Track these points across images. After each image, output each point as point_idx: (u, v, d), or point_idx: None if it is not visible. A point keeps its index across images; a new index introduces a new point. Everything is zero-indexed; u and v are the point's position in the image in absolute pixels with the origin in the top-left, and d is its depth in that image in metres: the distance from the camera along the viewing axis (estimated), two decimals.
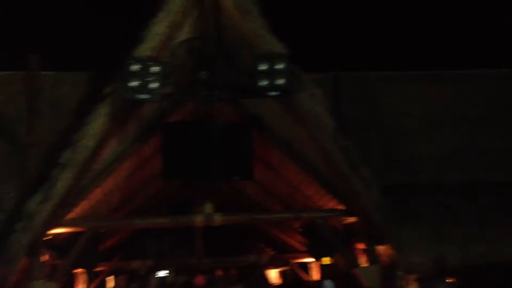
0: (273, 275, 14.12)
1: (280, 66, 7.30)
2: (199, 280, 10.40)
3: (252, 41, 7.70)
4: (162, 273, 11.54)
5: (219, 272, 11.77)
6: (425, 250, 8.86)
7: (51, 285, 8.57)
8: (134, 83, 7.17)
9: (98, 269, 11.08)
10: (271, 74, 7.29)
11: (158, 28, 7.65)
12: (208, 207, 8.93)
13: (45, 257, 8.74)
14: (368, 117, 9.40)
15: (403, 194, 8.91)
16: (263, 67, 7.30)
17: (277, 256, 14.02)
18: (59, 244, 9.31)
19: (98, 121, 7.96)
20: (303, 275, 12.95)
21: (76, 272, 10.54)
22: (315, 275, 12.42)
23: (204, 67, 7.51)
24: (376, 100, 9.49)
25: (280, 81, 7.30)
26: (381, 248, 8.99)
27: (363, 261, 9.26)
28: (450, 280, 8.74)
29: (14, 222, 8.16)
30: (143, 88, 7.25)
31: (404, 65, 9.98)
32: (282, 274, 14.23)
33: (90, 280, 11.00)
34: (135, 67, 7.17)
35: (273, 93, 7.44)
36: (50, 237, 8.74)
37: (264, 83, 7.33)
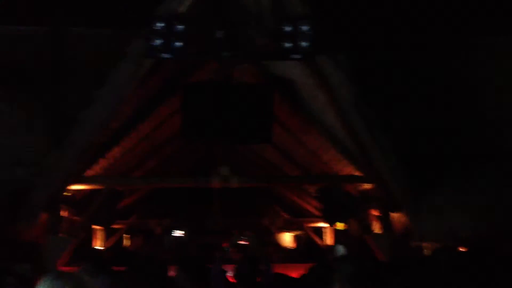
0: (287, 238, 14.26)
1: (304, 28, 7.23)
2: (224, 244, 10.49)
3: (277, 2, 7.61)
4: (178, 233, 11.67)
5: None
6: (440, 219, 8.87)
7: (69, 240, 8.72)
8: (157, 42, 7.15)
9: (115, 226, 11.25)
10: (295, 36, 7.23)
11: None
12: (225, 169, 8.95)
13: (64, 213, 8.88)
14: (391, 84, 9.29)
15: (421, 162, 8.86)
16: (287, 28, 7.23)
17: (291, 220, 14.14)
18: (78, 201, 9.45)
19: (119, 79, 7.96)
20: (316, 239, 13.07)
21: (93, 229, 10.71)
22: (329, 240, 12.53)
23: (228, 27, 7.45)
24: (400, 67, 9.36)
25: (304, 44, 7.24)
26: (395, 216, 9.02)
27: (377, 228, 9.31)
28: (462, 250, 8.76)
29: (33, 177, 8.25)
30: (166, 47, 7.22)
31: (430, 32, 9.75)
32: (296, 238, 14.37)
33: (107, 237, 11.18)
34: (159, 25, 7.13)
35: (296, 56, 7.38)
36: (69, 193, 8.86)
37: (287, 45, 7.27)
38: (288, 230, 14.23)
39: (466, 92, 9.50)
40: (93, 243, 10.75)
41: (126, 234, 11.65)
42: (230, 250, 6.10)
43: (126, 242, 11.61)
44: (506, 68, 9.57)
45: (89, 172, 9.02)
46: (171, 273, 5.63)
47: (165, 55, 7.30)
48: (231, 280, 6.58)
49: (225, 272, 5.91)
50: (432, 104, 9.31)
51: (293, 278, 4.79)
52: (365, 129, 8.28)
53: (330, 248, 11.99)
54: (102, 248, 10.84)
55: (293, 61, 7.77)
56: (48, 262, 7.94)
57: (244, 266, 6.06)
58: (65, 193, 8.65)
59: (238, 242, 6.83)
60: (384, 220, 9.11)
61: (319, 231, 13.04)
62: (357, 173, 9.29)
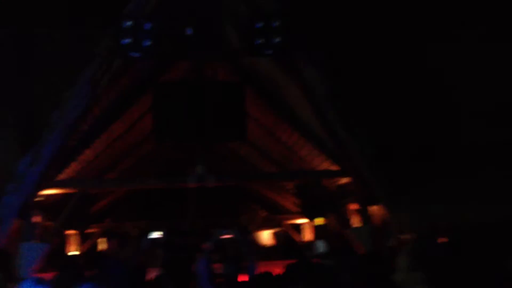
0: (266, 236, 14.19)
1: (276, 24, 7.14)
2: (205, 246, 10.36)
3: None
4: (155, 234, 11.52)
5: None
6: (417, 210, 8.87)
7: (43, 246, 8.52)
8: (126, 41, 7.00)
9: (89, 230, 11.06)
10: (267, 32, 7.14)
11: None
12: (201, 168, 8.82)
13: (37, 219, 8.67)
14: (364, 77, 9.26)
15: (397, 155, 8.85)
16: (259, 25, 7.14)
17: (270, 217, 14.07)
18: (50, 206, 9.24)
19: (89, 80, 7.78)
20: (295, 236, 13.02)
21: (67, 234, 10.51)
22: (308, 235, 12.48)
23: (198, 24, 7.33)
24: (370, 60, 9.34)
25: (276, 40, 7.16)
26: (373, 209, 9.00)
27: (355, 222, 9.27)
28: (442, 240, 8.77)
29: (4, 184, 8.05)
30: (135, 46, 7.08)
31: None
32: (275, 235, 14.32)
33: (82, 242, 10.99)
34: (127, 24, 6.99)
35: (269, 52, 7.30)
36: (41, 198, 8.66)
37: (259, 41, 7.18)
38: (267, 227, 14.16)
39: (441, 85, 9.51)
40: (68, 249, 10.54)
41: (101, 237, 11.46)
42: (213, 246, 6.00)
43: (101, 246, 11.41)
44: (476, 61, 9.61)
45: (61, 176, 8.82)
46: (150, 275, 5.52)
47: (134, 54, 7.16)
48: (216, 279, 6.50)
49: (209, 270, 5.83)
50: (408, 97, 9.30)
51: (277, 274, 4.73)
52: (340, 123, 8.23)
53: (310, 244, 11.95)
54: (77, 253, 10.64)
55: (266, 57, 7.68)
56: (21, 269, 7.74)
57: (230, 264, 6.00)
58: (37, 198, 8.45)
59: (220, 237, 6.72)
60: (363, 213, 9.08)
61: (297, 228, 13.00)
62: (334, 168, 9.24)
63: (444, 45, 9.59)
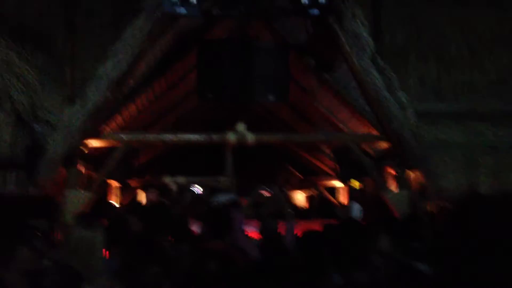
0: (300, 198, 14.29)
1: None
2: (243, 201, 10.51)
3: None
4: (196, 189, 11.75)
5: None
6: (457, 177, 8.85)
7: (86, 194, 8.80)
8: None
9: (131, 183, 11.35)
10: None
11: None
12: (241, 126, 8.93)
13: (81, 168, 8.94)
14: (409, 41, 9.18)
15: (438, 120, 8.82)
16: None
17: (305, 179, 14.16)
18: (94, 157, 9.50)
19: (134, 35, 7.89)
20: (330, 198, 13.08)
21: (110, 185, 10.81)
22: (343, 199, 12.55)
23: None
24: (418, 24, 9.23)
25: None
26: (412, 174, 9.00)
27: (392, 186, 9.28)
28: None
29: (51, 133, 8.31)
30: (181, 2, 7.15)
31: None
32: (309, 197, 14.41)
33: (123, 193, 11.29)
34: None
35: (315, 11, 7.28)
36: (86, 149, 8.91)
37: (305, 0, 7.16)
38: (302, 189, 14.26)
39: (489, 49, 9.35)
40: (109, 199, 10.85)
41: (141, 190, 11.74)
42: (251, 202, 6.08)
43: (140, 198, 11.69)
44: None
45: (105, 129, 9.04)
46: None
47: (180, 11, 7.23)
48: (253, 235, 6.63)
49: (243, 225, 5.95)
50: (452, 61, 9.21)
51: (318, 231, 4.80)
52: (382, 86, 8.19)
53: (345, 206, 12.02)
54: (117, 204, 10.95)
55: (312, 18, 7.66)
56: (66, 216, 8.03)
57: (270, 221, 6.10)
58: (82, 149, 8.70)
59: (261, 192, 6.84)
60: (401, 178, 9.09)
61: (333, 191, 13.06)
62: (373, 132, 9.24)
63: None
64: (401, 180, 9.09)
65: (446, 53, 9.16)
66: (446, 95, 9.12)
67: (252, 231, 6.89)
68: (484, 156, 8.84)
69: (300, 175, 15.00)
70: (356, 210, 10.28)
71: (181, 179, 10.98)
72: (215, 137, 9.18)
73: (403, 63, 8.85)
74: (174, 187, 10.82)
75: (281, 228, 6.22)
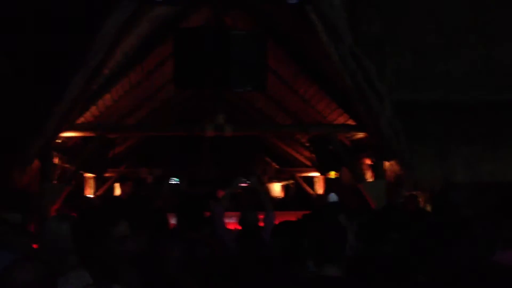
0: (277, 188, 14.32)
1: None
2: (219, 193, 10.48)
3: None
4: (172, 181, 11.68)
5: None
6: (432, 167, 8.93)
7: (61, 187, 8.70)
8: None
9: (106, 174, 11.23)
10: None
11: None
12: (220, 117, 8.88)
13: (56, 160, 8.83)
14: (385, 32, 9.20)
15: (414, 110, 8.86)
16: None
17: (282, 169, 14.18)
18: (69, 149, 9.38)
19: (110, 24, 7.76)
20: (307, 189, 13.12)
21: (85, 176, 10.69)
22: (320, 189, 12.59)
23: None
24: (394, 14, 9.25)
25: None
26: (388, 164, 9.05)
27: (369, 176, 9.34)
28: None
29: (26, 126, 8.15)
30: None
31: None
32: (285, 187, 14.44)
33: (98, 185, 11.17)
34: None
35: (292, 0, 7.24)
36: (61, 141, 8.79)
37: None
38: (279, 180, 14.28)
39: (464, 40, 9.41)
40: (85, 191, 10.74)
41: (116, 182, 11.64)
42: (229, 194, 6.05)
43: (116, 190, 11.60)
44: None
45: (80, 120, 8.92)
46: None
47: None
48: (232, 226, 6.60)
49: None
50: (427, 52, 9.26)
51: (294, 221, 4.81)
52: (360, 77, 8.18)
53: (322, 196, 12.07)
54: (92, 196, 10.84)
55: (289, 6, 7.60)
56: (41, 209, 7.92)
57: (249, 212, 6.08)
58: (56, 141, 8.57)
59: (239, 184, 6.80)
60: (377, 168, 9.14)
61: (310, 181, 13.09)
62: (350, 122, 9.27)
63: None
64: (377, 170, 9.15)
65: (422, 43, 9.20)
66: (422, 85, 9.17)
67: (232, 223, 6.88)
68: (460, 146, 8.92)
69: (276, 165, 15.00)
70: (334, 199, 10.35)
71: (157, 171, 10.91)
72: (193, 128, 9.12)
73: (379, 53, 8.85)
74: (149, 178, 10.75)
75: (261, 220, 6.21)
